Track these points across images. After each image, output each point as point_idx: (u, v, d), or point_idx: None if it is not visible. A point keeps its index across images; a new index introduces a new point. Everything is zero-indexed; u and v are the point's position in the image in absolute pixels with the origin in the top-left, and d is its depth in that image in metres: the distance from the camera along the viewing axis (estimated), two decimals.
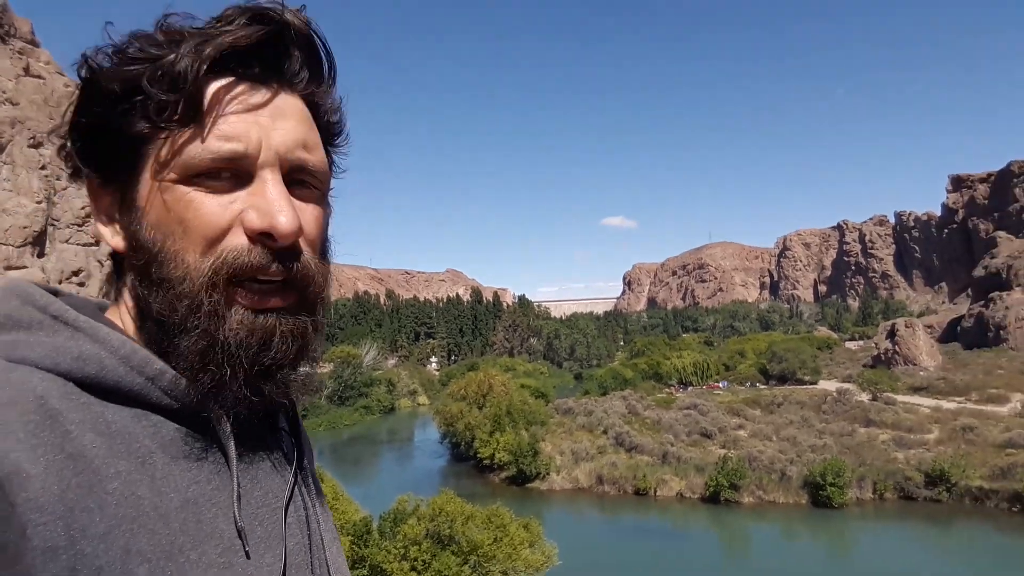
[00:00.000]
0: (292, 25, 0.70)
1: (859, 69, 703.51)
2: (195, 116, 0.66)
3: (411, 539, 18.99)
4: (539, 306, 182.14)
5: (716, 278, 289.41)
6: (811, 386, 67.59)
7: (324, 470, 26.21)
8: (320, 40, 0.73)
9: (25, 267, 34.47)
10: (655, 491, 37.62)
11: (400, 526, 19.51)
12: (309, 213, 0.72)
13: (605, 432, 45.76)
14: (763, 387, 71.65)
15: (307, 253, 0.71)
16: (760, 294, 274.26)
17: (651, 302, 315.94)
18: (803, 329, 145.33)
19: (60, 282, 35.86)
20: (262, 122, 0.68)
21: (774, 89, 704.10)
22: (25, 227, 35.18)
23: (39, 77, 40.42)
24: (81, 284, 36.94)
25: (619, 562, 27.35)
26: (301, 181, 0.72)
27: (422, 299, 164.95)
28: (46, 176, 37.49)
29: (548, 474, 40.46)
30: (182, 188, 0.67)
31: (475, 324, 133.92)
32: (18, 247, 34.89)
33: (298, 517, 0.75)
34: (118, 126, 0.67)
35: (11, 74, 34.59)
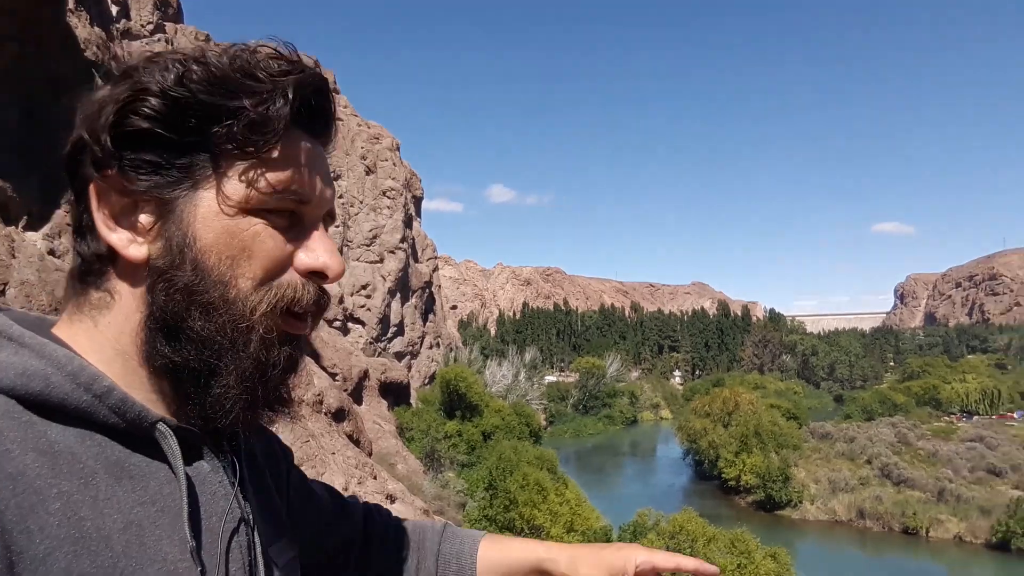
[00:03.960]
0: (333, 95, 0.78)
1: None
2: (279, 155, 0.70)
3: None
4: (793, 321, 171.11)
5: (1012, 291, 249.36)
6: None
7: (568, 476, 27.34)
8: (334, 108, 0.79)
9: None
10: (927, 531, 33.92)
11: (639, 539, 19.79)
12: None
13: (869, 462, 42.24)
14: None
15: None
16: None
17: (929, 318, 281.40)
18: None
19: (352, 295, 41.64)
20: (321, 175, 0.75)
21: None
22: None
23: (339, 119, 47.30)
24: (368, 296, 42.58)
25: None
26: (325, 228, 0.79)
27: (666, 312, 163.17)
28: (343, 203, 43.79)
29: (801, 502, 38.26)
30: (251, 219, 0.70)
31: (721, 338, 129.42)
32: None
33: (240, 542, 0.74)
34: (191, 141, 0.68)
35: None
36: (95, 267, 0.71)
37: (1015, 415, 65.23)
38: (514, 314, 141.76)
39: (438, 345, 51.93)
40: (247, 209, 0.70)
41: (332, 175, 0.77)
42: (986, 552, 31.53)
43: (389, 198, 45.90)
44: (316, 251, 0.73)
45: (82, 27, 11.95)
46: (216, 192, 0.69)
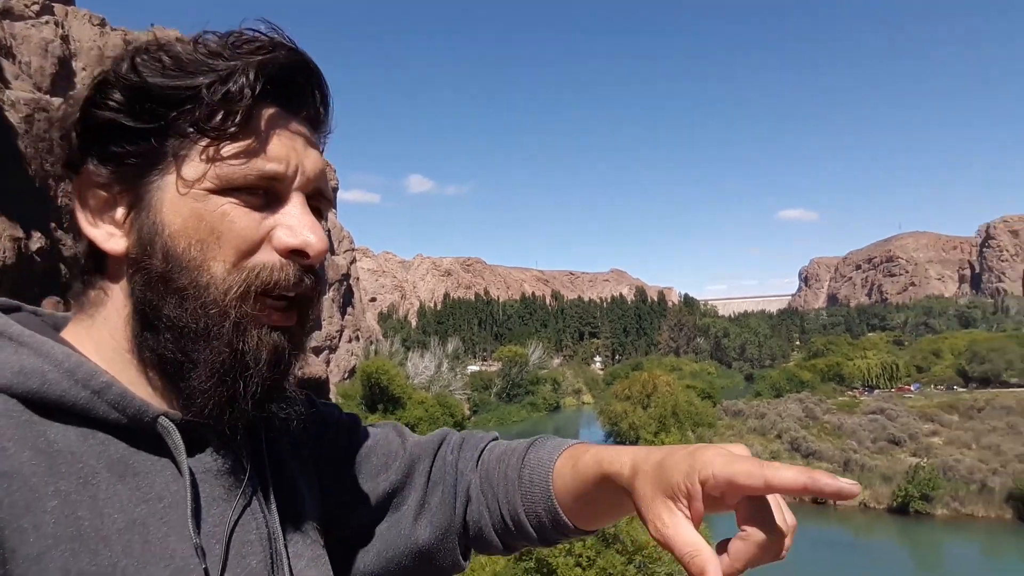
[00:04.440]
0: (312, 63, 0.73)
1: None
2: (242, 132, 0.67)
3: None
4: (706, 304, 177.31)
5: (907, 271, 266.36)
6: (1019, 389, 60.61)
7: None
8: (326, 83, 0.76)
9: None
10: (835, 500, 35.65)
11: None
12: (322, 235, 0.74)
13: (779, 436, 44.13)
14: (962, 390, 65.67)
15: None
16: (959, 288, 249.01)
17: (831, 299, 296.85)
18: (1010, 326, 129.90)
19: None
20: (298, 148, 0.71)
21: (972, 55, 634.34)
22: None
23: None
24: None
25: (797, 572, 26.23)
26: (316, 208, 0.74)
27: (586, 299, 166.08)
28: None
29: None
30: (218, 199, 0.67)
31: (639, 323, 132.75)
32: None
33: (260, 534, 0.73)
34: (151, 127, 0.66)
35: None
36: (89, 265, 0.72)
37: (912, 388, 69.70)
38: (435, 305, 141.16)
39: (358, 338, 51.12)
40: (214, 190, 0.67)
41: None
42: (888, 516, 33.51)
43: None
44: (294, 227, 0.69)
45: None
46: (180, 176, 0.67)
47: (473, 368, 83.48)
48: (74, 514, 0.59)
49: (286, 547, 0.76)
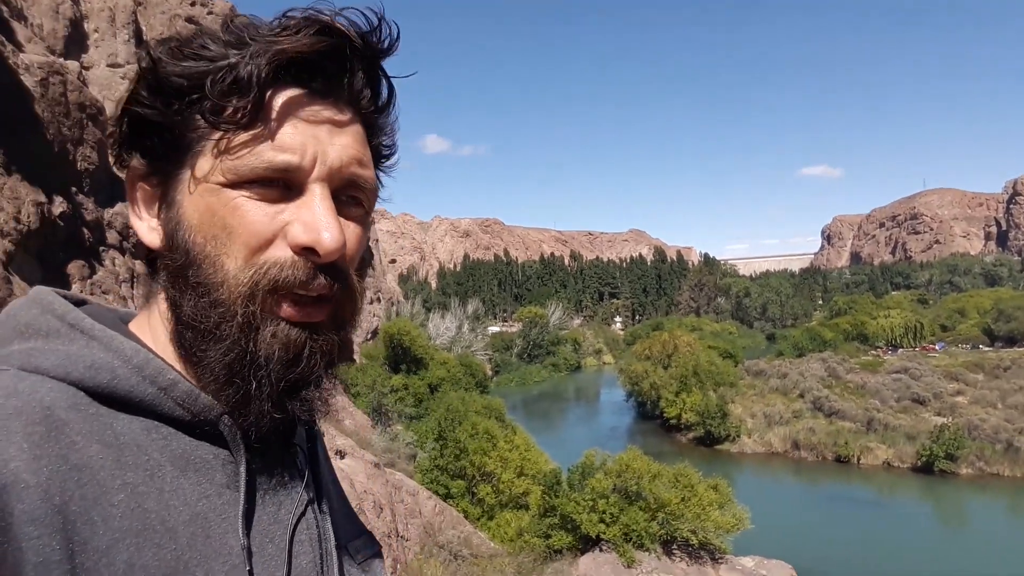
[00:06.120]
0: (356, 42, 0.68)
1: None
2: (254, 121, 0.64)
3: (599, 492, 19.59)
4: (726, 264, 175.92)
5: (932, 229, 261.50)
6: None
7: (516, 423, 27.64)
8: (382, 60, 0.72)
9: None
10: (858, 459, 35.63)
11: (588, 479, 20.15)
12: (352, 230, 0.70)
13: (801, 396, 43.83)
14: (988, 349, 64.93)
15: (349, 270, 0.70)
16: (985, 246, 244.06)
17: (854, 257, 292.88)
18: None
19: None
20: (320, 136, 0.67)
21: (998, 7, 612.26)
22: None
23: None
24: None
25: (819, 529, 26.30)
26: (352, 198, 0.71)
27: (605, 259, 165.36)
28: None
29: (738, 437, 39.60)
30: (230, 192, 0.65)
31: (659, 283, 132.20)
32: None
33: (310, 535, 0.73)
34: (171, 120, 0.66)
35: None
36: (143, 258, 0.73)
37: (936, 347, 68.83)
38: (455, 266, 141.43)
39: (379, 300, 51.30)
40: (227, 183, 0.65)
41: None
42: (912, 475, 33.39)
43: None
44: (308, 223, 0.65)
45: None
46: (195, 169, 0.66)
47: (494, 329, 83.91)
48: (140, 507, 0.59)
49: (337, 549, 0.77)
